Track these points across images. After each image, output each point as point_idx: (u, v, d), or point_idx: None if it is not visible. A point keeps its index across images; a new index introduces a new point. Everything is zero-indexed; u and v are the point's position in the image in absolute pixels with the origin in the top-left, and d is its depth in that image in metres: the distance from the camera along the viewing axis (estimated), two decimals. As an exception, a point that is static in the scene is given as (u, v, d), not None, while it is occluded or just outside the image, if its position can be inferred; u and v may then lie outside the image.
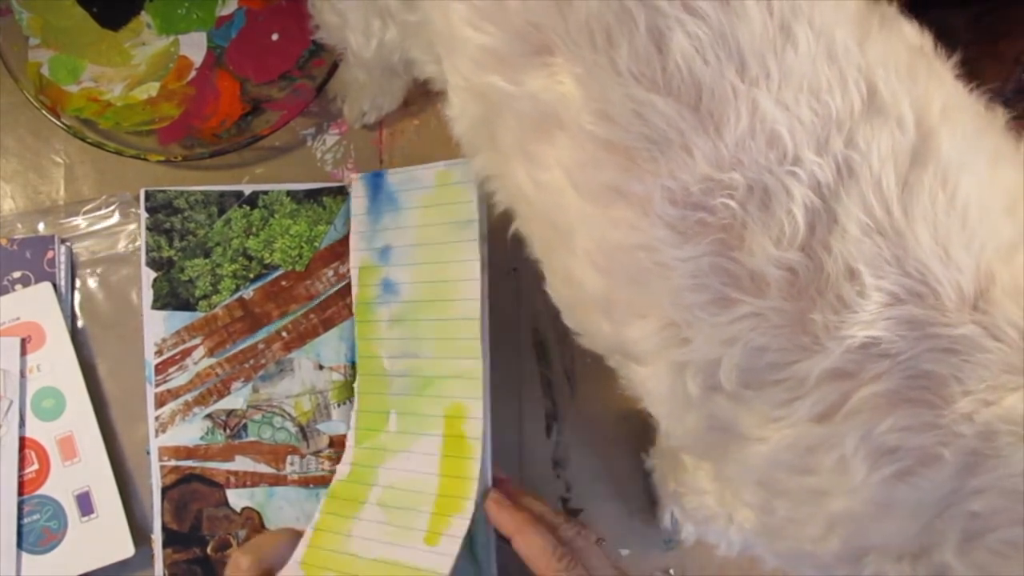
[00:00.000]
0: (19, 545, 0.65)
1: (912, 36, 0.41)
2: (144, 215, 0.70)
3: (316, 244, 0.70)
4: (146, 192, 0.70)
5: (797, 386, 0.38)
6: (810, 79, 0.37)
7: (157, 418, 0.68)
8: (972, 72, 0.43)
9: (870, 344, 0.36)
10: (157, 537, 0.68)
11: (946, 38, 0.43)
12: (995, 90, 0.58)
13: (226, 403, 0.69)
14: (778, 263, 0.37)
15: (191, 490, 0.68)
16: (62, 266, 0.69)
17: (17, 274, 0.69)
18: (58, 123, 0.69)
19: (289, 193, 0.71)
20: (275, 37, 0.73)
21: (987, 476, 0.34)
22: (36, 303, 0.68)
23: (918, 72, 0.39)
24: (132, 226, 0.71)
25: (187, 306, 0.70)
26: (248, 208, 0.71)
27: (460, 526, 0.59)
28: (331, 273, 0.70)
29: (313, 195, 0.71)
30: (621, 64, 0.38)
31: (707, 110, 0.37)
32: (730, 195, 0.37)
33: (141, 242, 0.70)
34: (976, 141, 0.39)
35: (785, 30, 0.37)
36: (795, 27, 0.37)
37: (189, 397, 0.69)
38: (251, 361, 0.70)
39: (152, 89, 0.72)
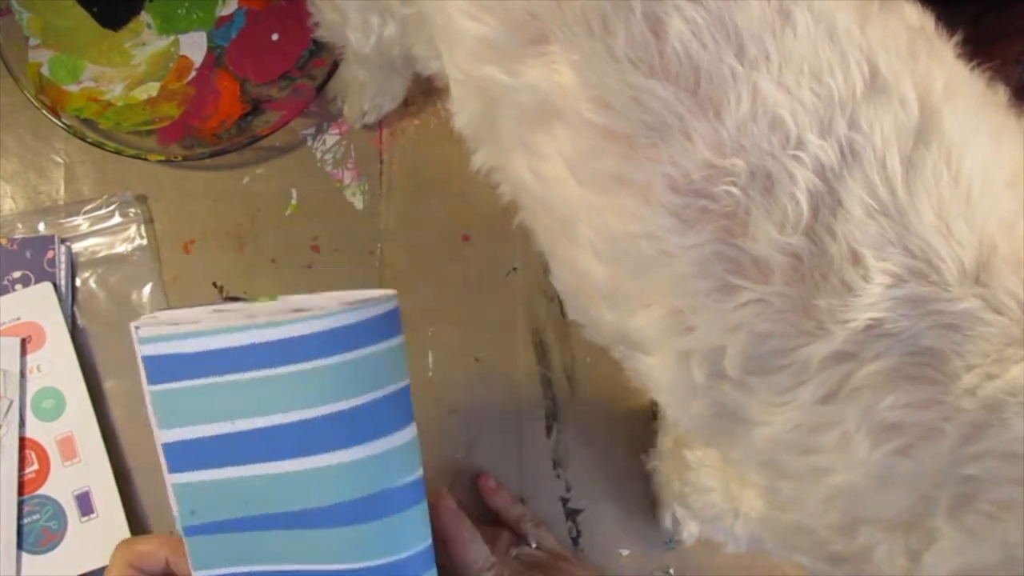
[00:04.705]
0: (19, 545, 0.65)
1: (913, 17, 0.41)
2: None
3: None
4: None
5: (801, 371, 0.37)
6: (811, 61, 0.37)
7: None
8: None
9: (873, 326, 0.35)
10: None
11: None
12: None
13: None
14: (782, 249, 0.36)
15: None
16: (62, 266, 0.69)
17: (17, 274, 0.69)
18: (58, 123, 0.69)
19: None
20: (275, 37, 0.73)
21: (987, 442, 0.34)
22: (36, 303, 0.68)
23: (919, 52, 0.39)
24: (132, 226, 0.71)
25: None
26: None
27: None
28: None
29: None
30: (618, 50, 0.38)
31: (705, 94, 0.37)
32: (732, 182, 0.37)
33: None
34: (978, 118, 0.38)
35: (784, 13, 0.37)
36: (794, 10, 0.37)
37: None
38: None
39: (152, 89, 0.72)
